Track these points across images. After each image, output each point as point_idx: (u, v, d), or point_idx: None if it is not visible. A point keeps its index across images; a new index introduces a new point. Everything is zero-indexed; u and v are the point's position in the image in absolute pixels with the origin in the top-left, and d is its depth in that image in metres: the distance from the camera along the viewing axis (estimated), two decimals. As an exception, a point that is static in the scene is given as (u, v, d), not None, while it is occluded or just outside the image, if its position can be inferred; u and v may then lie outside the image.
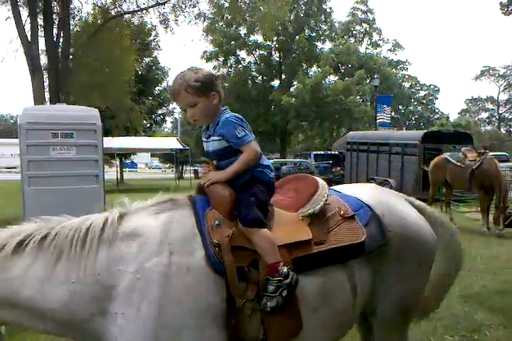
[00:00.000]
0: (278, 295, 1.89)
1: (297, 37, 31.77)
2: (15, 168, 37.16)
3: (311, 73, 33.26)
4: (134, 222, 1.94)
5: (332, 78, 32.67)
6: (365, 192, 2.33)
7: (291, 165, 24.58)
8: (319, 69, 32.05)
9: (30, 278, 1.77)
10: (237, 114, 2.17)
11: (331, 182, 19.57)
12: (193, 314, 1.81)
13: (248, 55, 33.44)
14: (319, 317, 2.00)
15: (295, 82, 33.07)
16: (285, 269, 1.92)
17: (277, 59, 33.87)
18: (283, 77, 33.91)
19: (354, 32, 36.51)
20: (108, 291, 1.77)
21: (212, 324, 1.83)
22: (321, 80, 29.63)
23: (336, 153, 22.60)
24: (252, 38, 32.22)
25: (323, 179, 2.40)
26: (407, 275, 2.20)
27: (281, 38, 31.81)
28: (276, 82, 34.53)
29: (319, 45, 34.19)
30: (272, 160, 20.75)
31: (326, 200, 2.13)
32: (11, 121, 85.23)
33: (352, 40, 35.75)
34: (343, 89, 28.88)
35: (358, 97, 31.81)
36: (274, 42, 32.61)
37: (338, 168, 21.38)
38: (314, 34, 33.45)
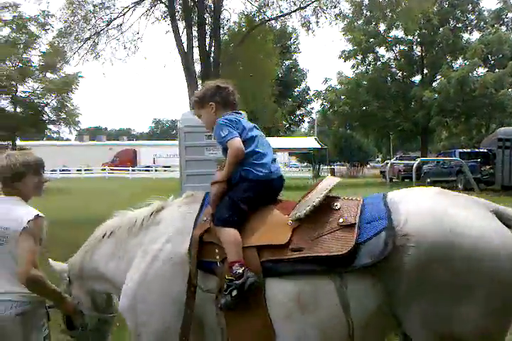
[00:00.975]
0: (227, 294, 1.90)
1: (441, 29, 29.94)
2: (169, 166, 40.96)
3: (456, 66, 31.08)
4: (164, 213, 2.32)
5: (480, 70, 30.18)
6: (416, 199, 1.99)
7: (433, 163, 23.34)
8: (466, 61, 29.80)
9: (104, 256, 2.39)
10: (229, 116, 2.28)
11: (479, 182, 18.27)
12: (163, 295, 2.08)
13: (387, 51, 32.39)
14: (295, 325, 1.90)
15: (438, 77, 31.21)
16: (240, 270, 1.91)
17: (419, 53, 32.27)
18: (425, 71, 32.21)
19: (506, 19, 33.18)
20: (131, 263, 2.21)
21: (175, 309, 2.03)
22: (468, 73, 27.54)
23: (485, 150, 20.88)
24: (391, 33, 31.22)
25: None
26: (453, 302, 1.78)
27: (424, 31, 30.25)
28: (417, 78, 32.94)
29: (465, 35, 31.80)
30: (417, 160, 19.94)
31: (316, 204, 1.99)
32: (167, 124, 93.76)
33: (503, 28, 32.53)
34: (494, 82, 26.47)
35: (510, 90, 28.91)
36: (416, 37, 31.14)
37: (488, 167, 19.76)
38: (460, 25, 31.19)
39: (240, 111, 2.40)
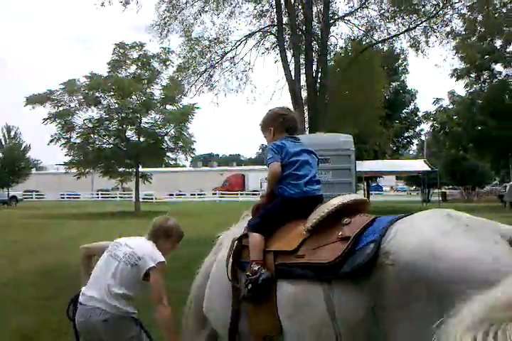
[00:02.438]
0: (245, 288, 2.22)
1: None
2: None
3: None
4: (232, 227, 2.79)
5: None
6: (414, 218, 2.00)
7: None
8: None
9: None
10: (278, 142, 2.57)
11: None
12: (218, 295, 2.49)
13: (505, 67, 30.40)
14: (293, 325, 2.09)
15: None
16: (256, 267, 2.21)
17: (541, 69, 29.84)
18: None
19: None
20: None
21: (229, 304, 2.37)
22: None
23: None
24: (509, 49, 29.29)
25: None
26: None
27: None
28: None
29: None
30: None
31: (322, 218, 2.18)
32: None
33: None
34: None
35: None
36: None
37: None
38: None
39: (296, 136, 2.67)
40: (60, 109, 26.10)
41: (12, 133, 36.39)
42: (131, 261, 2.84)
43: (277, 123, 2.67)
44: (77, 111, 26.43)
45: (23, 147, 36.49)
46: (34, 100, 25.94)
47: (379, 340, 1.84)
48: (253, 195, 44.04)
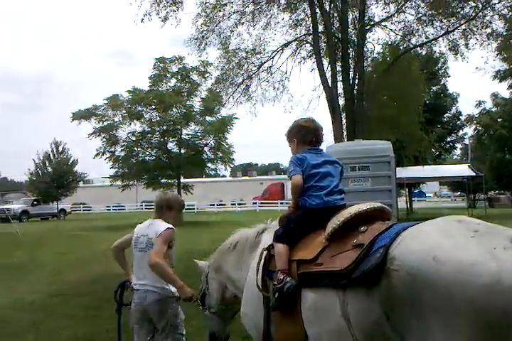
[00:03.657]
0: (273, 296, 2.31)
1: None
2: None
3: None
4: (264, 236, 2.87)
5: None
6: (425, 224, 2.00)
7: None
8: None
9: (230, 265, 3.08)
10: (298, 155, 2.68)
11: None
12: (250, 301, 2.67)
13: (552, 67, 29.21)
14: (315, 331, 2.18)
15: None
16: (281, 276, 2.29)
17: None
18: None
19: None
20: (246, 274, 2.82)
21: (261, 310, 2.52)
22: None
23: None
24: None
25: None
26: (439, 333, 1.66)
27: None
28: None
29: None
30: None
31: (335, 228, 2.26)
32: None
33: None
34: None
35: None
36: None
37: None
38: None
39: (318, 148, 2.77)
40: (105, 123, 26.99)
41: (60, 148, 37.82)
42: (152, 246, 3.26)
43: (300, 135, 2.76)
44: (120, 125, 27.26)
45: (70, 161, 37.83)
46: (80, 115, 26.97)
47: (397, 337, 1.85)
48: None
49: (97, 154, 27.36)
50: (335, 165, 2.71)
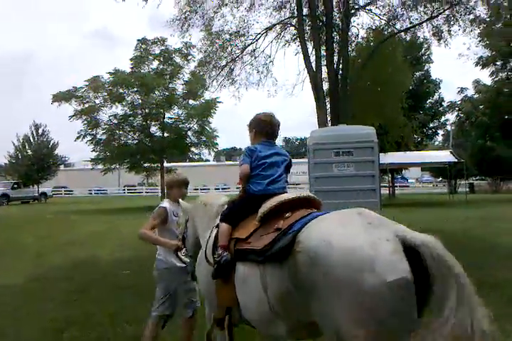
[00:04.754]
0: (213, 267, 2.73)
1: None
2: (299, 184, 41.80)
3: None
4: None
5: None
6: (330, 214, 2.33)
7: None
8: None
9: (199, 219, 3.40)
10: (251, 146, 3.00)
11: None
12: (202, 273, 3.03)
13: (533, 54, 29.47)
14: (242, 298, 2.56)
15: None
16: (220, 251, 2.71)
17: None
18: None
19: None
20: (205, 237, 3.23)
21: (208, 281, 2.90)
22: None
23: None
24: (538, 35, 28.35)
25: None
26: (324, 304, 2.01)
27: None
28: None
29: None
30: None
31: (264, 212, 2.62)
32: (296, 143, 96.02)
33: None
34: None
35: None
36: None
37: None
38: None
39: (271, 141, 3.06)
40: (86, 105, 26.61)
41: (40, 131, 37.17)
42: None
43: (258, 128, 3.07)
44: (102, 108, 26.90)
45: (51, 144, 37.26)
46: (60, 97, 26.51)
47: (305, 309, 2.15)
48: (294, 188, 44.10)
49: (78, 137, 27.06)
50: (283, 158, 3.02)
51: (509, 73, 29.46)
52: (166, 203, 3.75)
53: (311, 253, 2.06)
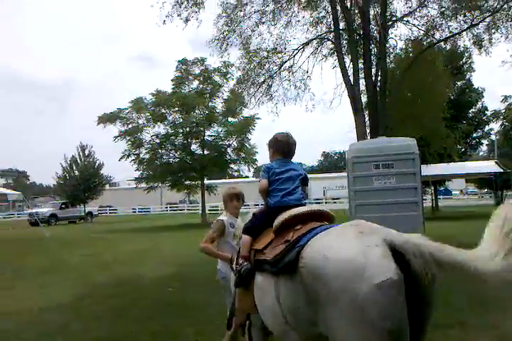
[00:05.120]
0: (235, 276, 2.99)
1: None
2: (339, 198, 41.24)
3: None
4: None
5: None
6: (331, 228, 2.47)
7: None
8: None
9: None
10: (267, 164, 3.27)
11: None
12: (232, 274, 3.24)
13: None
14: (259, 305, 2.72)
15: None
16: (241, 261, 2.93)
17: None
18: None
19: None
20: None
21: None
22: None
23: None
24: None
25: None
26: (326, 317, 2.15)
27: None
28: None
29: None
30: None
31: (278, 225, 2.79)
32: (335, 157, 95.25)
33: None
34: None
35: None
36: None
37: None
38: None
39: (287, 158, 3.28)
40: (129, 126, 27.37)
41: (86, 152, 38.49)
42: None
43: (276, 147, 3.31)
44: (144, 128, 27.60)
45: (96, 164, 38.47)
46: (105, 119, 27.42)
47: (314, 321, 2.26)
48: (316, 203, 43.61)
49: (123, 157, 27.76)
50: (299, 173, 3.21)
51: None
52: (223, 216, 4.03)
53: (311, 268, 2.22)
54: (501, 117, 29.87)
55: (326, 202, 45.86)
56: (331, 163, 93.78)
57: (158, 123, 27.43)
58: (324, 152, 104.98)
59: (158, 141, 27.52)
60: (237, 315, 3.08)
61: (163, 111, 27.24)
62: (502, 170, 22.98)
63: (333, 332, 2.09)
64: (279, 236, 2.74)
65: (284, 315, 2.45)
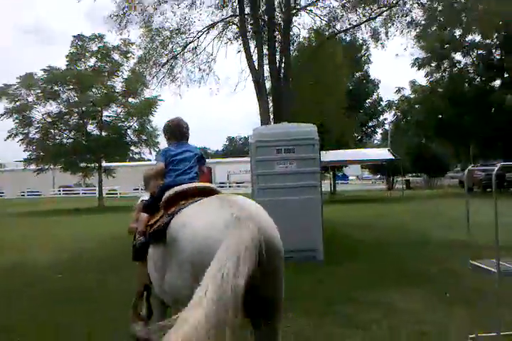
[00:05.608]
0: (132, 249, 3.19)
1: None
2: (243, 182, 41.78)
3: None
4: None
5: None
6: (198, 202, 2.70)
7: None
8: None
9: None
10: (164, 148, 3.55)
11: None
12: None
13: (464, 56, 31.13)
14: (150, 275, 2.90)
15: (520, 79, 29.59)
16: (137, 236, 3.13)
17: (498, 57, 30.67)
18: (505, 75, 30.50)
19: None
20: None
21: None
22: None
23: None
24: (468, 38, 29.99)
25: None
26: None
27: (503, 33, 28.82)
28: (497, 82, 31.23)
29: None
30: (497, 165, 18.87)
31: (164, 201, 2.99)
32: (240, 142, 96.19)
33: None
34: None
35: None
36: (495, 40, 29.72)
37: None
38: (542, 25, 29.17)
39: (181, 141, 3.54)
40: (17, 103, 25.38)
41: (-33, 130, 34.90)
42: None
43: (169, 133, 3.60)
44: (35, 106, 25.72)
45: (-21, 144, 35.12)
46: (-11, 95, 25.05)
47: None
48: (221, 187, 43.85)
49: (9, 136, 25.70)
50: (194, 153, 3.45)
51: (443, 74, 30.97)
52: (145, 196, 4.01)
53: (172, 233, 2.51)
54: (394, 108, 32.10)
55: (230, 186, 46.21)
56: (236, 148, 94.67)
57: (51, 101, 25.67)
58: (229, 137, 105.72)
59: (50, 120, 25.76)
60: (137, 285, 3.41)
61: (56, 88, 25.48)
62: (393, 158, 24.69)
63: (169, 283, 2.47)
64: (166, 211, 2.91)
65: (160, 281, 2.64)
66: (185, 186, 3.04)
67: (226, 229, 2.15)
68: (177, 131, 3.55)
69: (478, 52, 30.78)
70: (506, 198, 15.74)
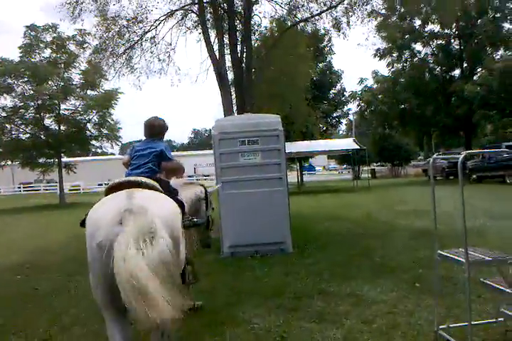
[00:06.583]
0: None
1: (479, 20, 28.99)
2: (209, 175, 41.49)
3: (498, 57, 29.91)
4: None
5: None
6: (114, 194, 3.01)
7: (479, 159, 22.73)
8: (508, 51, 28.73)
9: None
10: (135, 144, 3.94)
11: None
12: None
13: (424, 46, 31.60)
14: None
15: (479, 69, 30.25)
16: None
17: (457, 47, 31.29)
18: (464, 65, 31.16)
19: (548, 5, 31.49)
20: None
21: None
22: (512, 63, 26.28)
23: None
24: (427, 28, 30.45)
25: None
26: None
27: (462, 23, 29.36)
28: (456, 72, 31.89)
29: (506, 25, 30.40)
30: (462, 154, 19.26)
31: (105, 190, 3.29)
32: (205, 134, 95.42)
33: (550, 14, 30.89)
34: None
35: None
36: (454, 30, 30.28)
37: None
38: (499, 14, 29.88)
39: (153, 138, 3.92)
40: (-33, 97, 24.16)
41: None
42: None
43: (143, 131, 3.98)
44: (-14, 100, 24.55)
45: None
46: None
47: None
48: (205, 179, 43.51)
49: (-40, 132, 24.45)
50: (154, 149, 3.73)
51: (404, 64, 31.37)
52: None
53: (87, 225, 2.75)
54: (358, 98, 32.34)
55: (197, 179, 45.75)
56: (201, 141, 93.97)
57: (4, 94, 24.54)
58: (194, 129, 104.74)
59: (4, 114, 24.67)
60: None
61: (9, 81, 24.37)
62: (359, 148, 24.87)
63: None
64: None
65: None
66: (122, 179, 3.34)
67: (113, 220, 2.58)
68: (147, 129, 3.95)
69: (438, 42, 31.30)
70: (468, 186, 16.06)
